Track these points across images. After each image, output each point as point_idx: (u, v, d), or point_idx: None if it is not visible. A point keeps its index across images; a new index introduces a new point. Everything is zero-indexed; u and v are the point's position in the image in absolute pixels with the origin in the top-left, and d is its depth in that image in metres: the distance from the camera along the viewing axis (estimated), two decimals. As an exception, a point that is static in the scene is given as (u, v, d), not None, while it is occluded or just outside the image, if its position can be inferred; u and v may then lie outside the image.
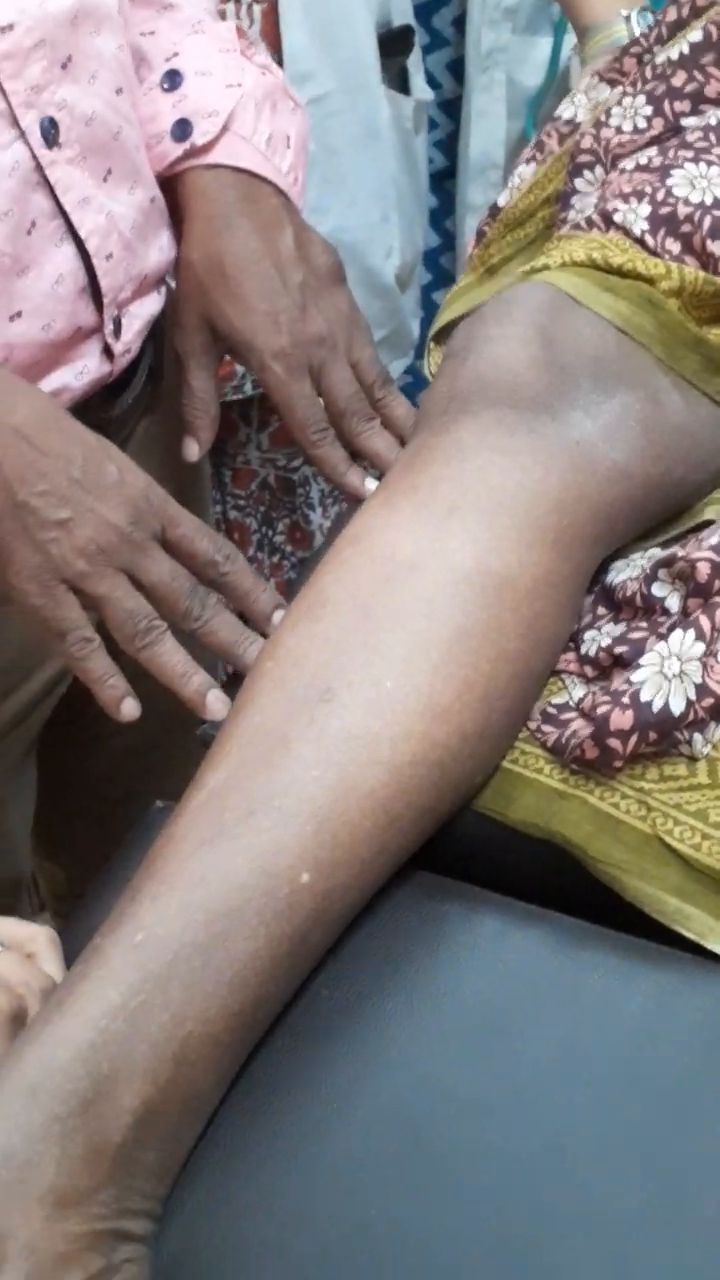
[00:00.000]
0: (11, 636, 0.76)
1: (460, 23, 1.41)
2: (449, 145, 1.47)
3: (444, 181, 1.48)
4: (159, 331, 0.82)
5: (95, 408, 0.75)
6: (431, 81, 1.41)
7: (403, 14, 1.30)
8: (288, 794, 0.52)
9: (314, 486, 1.43)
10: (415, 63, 1.34)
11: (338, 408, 0.76)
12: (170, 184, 0.79)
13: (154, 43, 0.80)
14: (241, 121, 0.78)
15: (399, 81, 1.31)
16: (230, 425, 1.38)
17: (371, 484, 0.76)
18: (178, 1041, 0.47)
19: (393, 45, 1.27)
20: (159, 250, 0.78)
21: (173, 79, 0.79)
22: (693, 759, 0.57)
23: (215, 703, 0.64)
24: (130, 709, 0.64)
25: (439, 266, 1.51)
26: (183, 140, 0.77)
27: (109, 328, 0.74)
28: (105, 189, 0.72)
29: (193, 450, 0.79)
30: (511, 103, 1.38)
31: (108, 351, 0.74)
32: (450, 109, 1.45)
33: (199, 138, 0.77)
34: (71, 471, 0.61)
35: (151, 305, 0.79)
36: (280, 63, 1.17)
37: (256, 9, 1.16)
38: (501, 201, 0.87)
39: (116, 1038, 0.46)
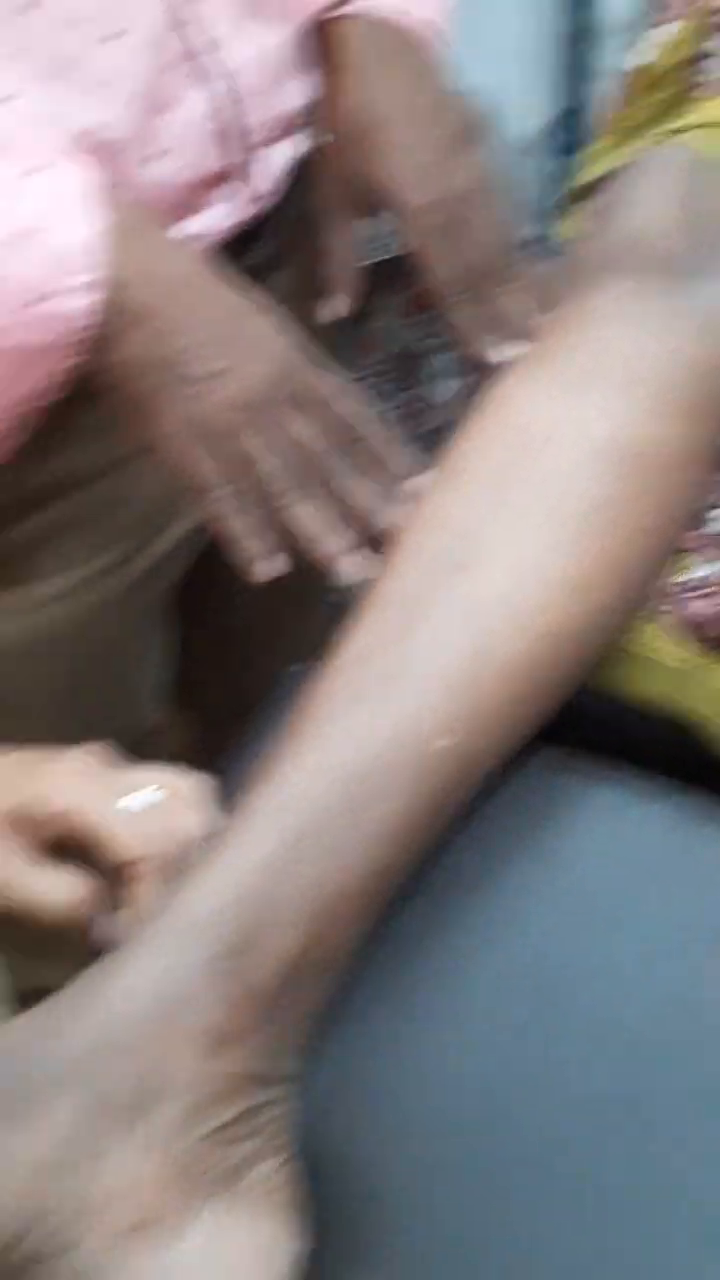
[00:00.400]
0: (146, 491, 0.78)
1: None
2: (575, 6, 1.42)
3: (575, 45, 1.43)
4: (304, 177, 0.81)
5: (231, 255, 0.75)
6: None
7: None
8: (427, 660, 0.53)
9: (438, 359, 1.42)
10: None
11: (477, 266, 0.74)
12: (315, 34, 0.77)
13: None
14: None
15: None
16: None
17: (503, 352, 0.74)
18: (322, 898, 0.49)
19: None
20: (302, 93, 0.77)
21: None
22: None
23: (347, 566, 0.64)
24: (263, 569, 0.64)
25: (575, 127, 1.46)
26: None
27: (254, 167, 0.73)
28: (244, 26, 0.71)
29: (338, 308, 0.78)
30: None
31: (249, 194, 0.74)
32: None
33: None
34: (221, 327, 0.61)
35: (294, 148, 0.78)
36: None
37: None
38: (635, 63, 0.84)
39: (261, 893, 0.48)
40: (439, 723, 0.52)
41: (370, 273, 1.33)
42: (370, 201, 0.76)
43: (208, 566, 0.87)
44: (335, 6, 0.76)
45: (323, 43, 0.77)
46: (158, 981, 0.46)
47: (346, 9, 0.76)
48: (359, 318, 1.37)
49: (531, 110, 1.30)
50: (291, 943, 0.48)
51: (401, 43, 0.75)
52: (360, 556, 0.64)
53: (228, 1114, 0.45)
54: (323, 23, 0.76)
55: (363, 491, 0.64)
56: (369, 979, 0.52)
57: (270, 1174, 0.45)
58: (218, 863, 0.49)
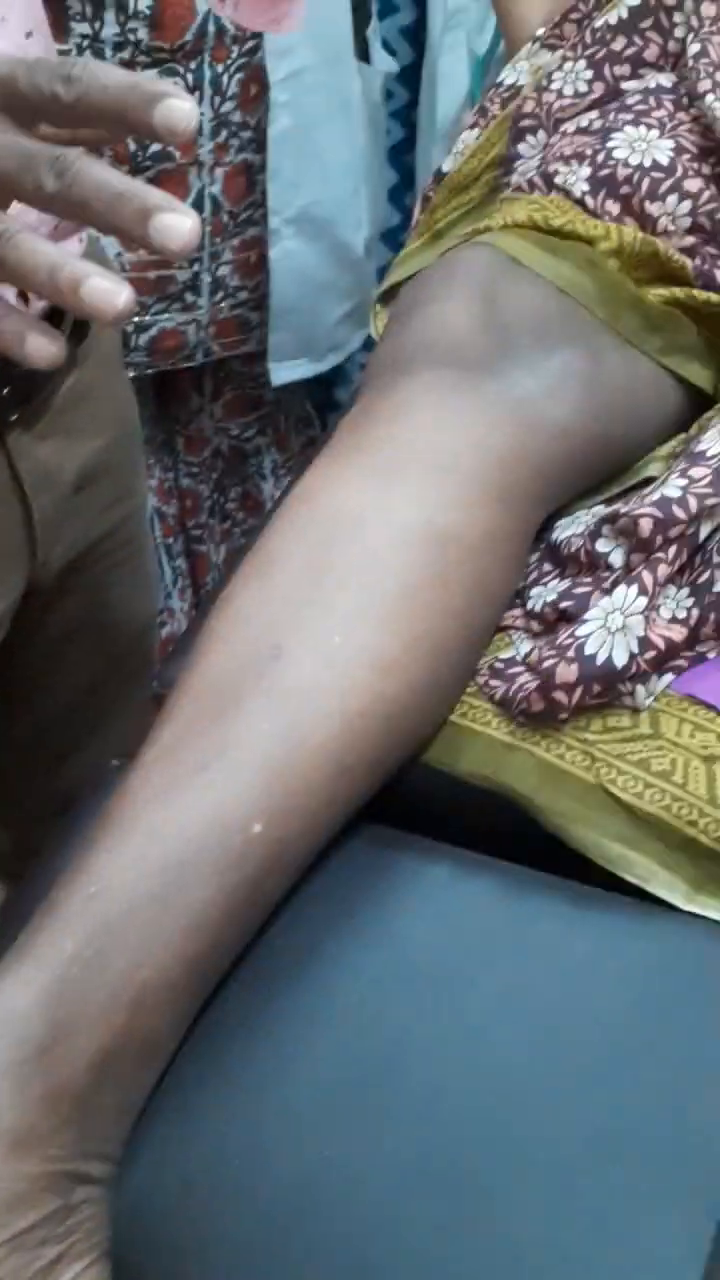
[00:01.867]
0: None
1: (411, -12, 1.41)
2: (405, 116, 1.47)
3: (402, 155, 1.48)
4: None
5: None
6: (386, 49, 1.41)
7: (360, -20, 1.30)
8: (239, 746, 0.53)
9: (266, 456, 1.44)
10: (374, 31, 1.35)
11: None
12: None
13: None
14: None
15: (361, 51, 1.31)
16: (183, 394, 1.38)
17: None
18: (134, 987, 0.48)
19: (354, 14, 1.27)
20: (77, 241, 0.77)
21: None
22: (635, 710, 0.59)
23: (98, 296, 0.46)
24: (38, 346, 0.48)
25: (399, 244, 1.51)
26: None
27: None
28: None
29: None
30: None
31: (24, 296, 0.74)
32: (405, 78, 1.45)
33: None
34: None
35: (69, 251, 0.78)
36: (259, 36, 1.17)
37: None
38: (446, 167, 0.87)
39: (73, 984, 0.47)
40: (250, 809, 0.52)
41: (189, 376, 1.36)
42: None
43: (16, 659, 0.86)
44: None
45: None
46: None
47: None
48: (183, 420, 1.39)
49: (364, 220, 1.34)
50: (103, 1036, 0.47)
51: None
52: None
53: (32, 1216, 0.44)
54: None
55: (96, 180, 0.46)
56: (190, 1068, 0.51)
57: (80, 1277, 0.44)
58: (27, 957, 0.48)
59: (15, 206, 0.50)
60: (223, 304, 1.28)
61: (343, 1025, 0.52)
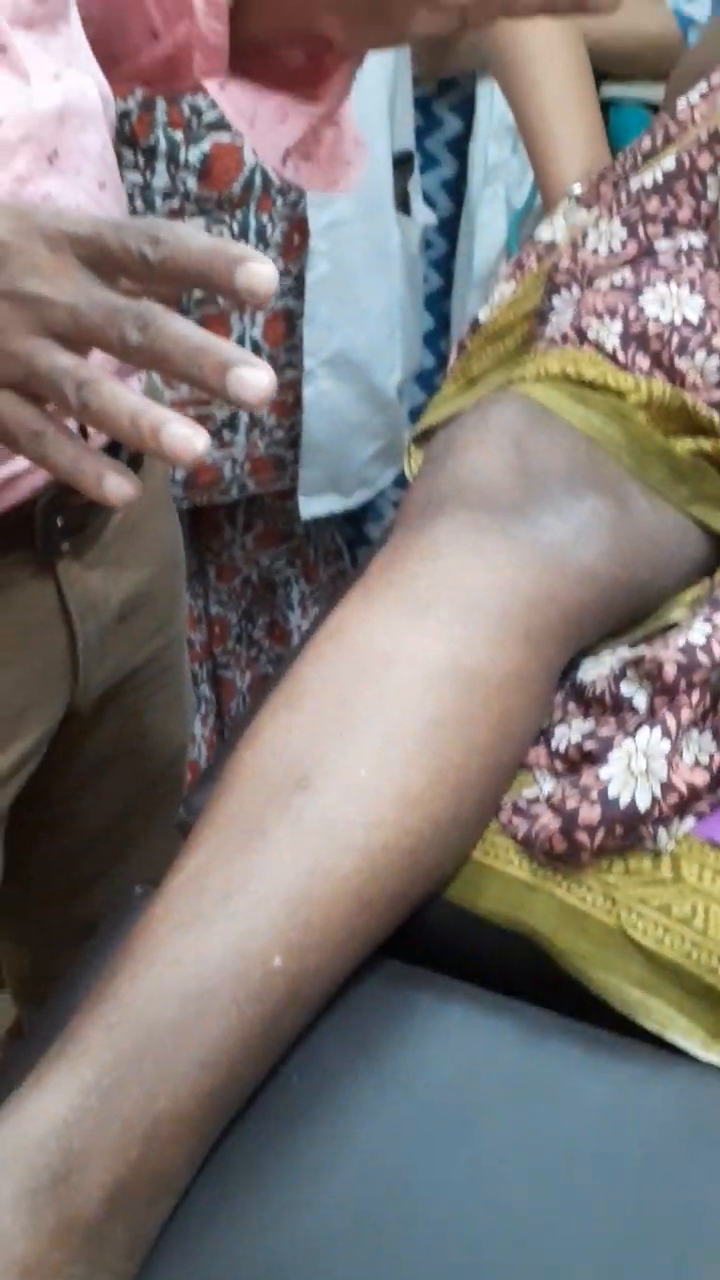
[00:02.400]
0: None
1: (453, 144, 1.47)
2: (444, 265, 1.52)
3: (439, 302, 1.53)
4: None
5: (75, 491, 0.77)
6: (427, 201, 1.46)
7: (405, 138, 1.35)
8: (262, 878, 0.53)
9: (295, 588, 1.46)
10: (414, 184, 1.40)
11: None
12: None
13: None
14: None
15: (401, 203, 1.36)
16: (216, 525, 1.41)
17: None
18: (149, 1120, 0.48)
19: (396, 168, 1.32)
20: (137, 381, 0.80)
21: None
22: (657, 854, 0.59)
23: (178, 442, 0.48)
24: (115, 485, 0.51)
25: (433, 386, 1.55)
26: None
27: None
28: None
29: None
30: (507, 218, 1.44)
31: (84, 430, 0.76)
32: (444, 229, 1.50)
33: None
34: None
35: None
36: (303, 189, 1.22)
37: None
38: (482, 317, 0.90)
39: (90, 1114, 0.47)
40: (271, 941, 0.52)
41: (224, 510, 1.39)
42: None
43: (50, 783, 0.87)
44: None
45: None
46: None
47: None
48: (215, 549, 1.42)
49: (398, 364, 1.38)
50: (118, 1168, 0.47)
51: None
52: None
53: None
54: None
55: (177, 338, 0.49)
56: (202, 1204, 0.50)
57: None
58: (46, 1084, 0.48)
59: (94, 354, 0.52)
60: (259, 442, 1.31)
61: (356, 1166, 0.52)
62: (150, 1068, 0.49)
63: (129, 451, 0.81)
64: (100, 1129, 0.47)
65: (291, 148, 0.77)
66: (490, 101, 1.39)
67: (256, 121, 0.78)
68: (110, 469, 0.50)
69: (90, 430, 0.71)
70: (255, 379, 0.47)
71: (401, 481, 1.50)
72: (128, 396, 0.49)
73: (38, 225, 0.51)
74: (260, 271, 0.48)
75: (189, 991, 0.50)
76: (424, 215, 1.42)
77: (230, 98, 0.78)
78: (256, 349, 1.27)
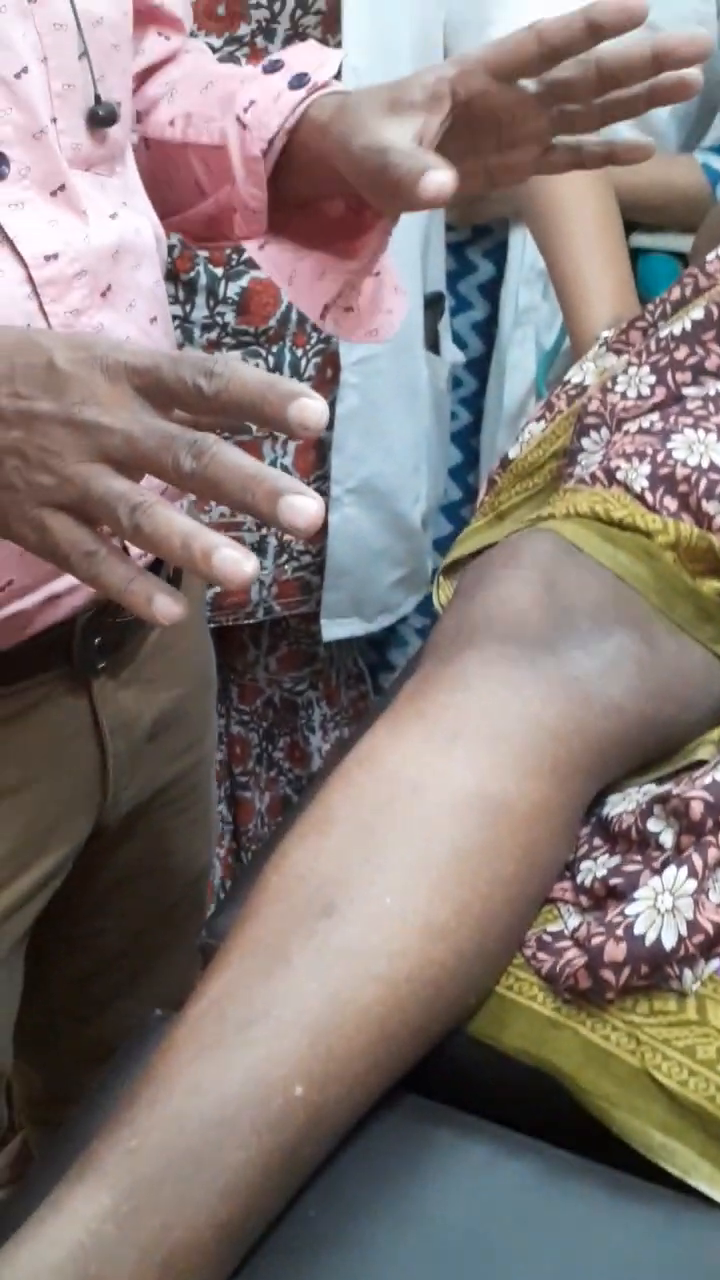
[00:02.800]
0: (7, 830, 0.78)
1: (485, 288, 1.51)
2: (473, 402, 1.56)
3: (468, 438, 1.56)
4: None
5: (112, 611, 0.78)
6: (458, 341, 1.50)
7: (437, 280, 1.40)
8: (285, 1005, 0.53)
9: (316, 710, 1.47)
10: (444, 325, 1.44)
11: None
12: (295, 140, 0.77)
13: (237, 82, 0.80)
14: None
15: (432, 343, 1.40)
16: (240, 646, 1.42)
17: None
18: (165, 1249, 0.47)
19: (427, 309, 1.36)
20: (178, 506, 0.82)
21: (275, 65, 0.78)
22: (682, 994, 0.59)
23: (229, 566, 0.50)
24: (164, 605, 0.52)
25: (459, 518, 1.58)
26: (301, 86, 0.76)
27: None
28: None
29: (434, 185, 0.65)
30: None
31: (125, 551, 0.78)
32: (474, 368, 1.54)
33: (319, 79, 0.76)
34: (5, 387, 0.55)
35: None
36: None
37: None
38: (512, 454, 0.93)
39: (107, 1241, 0.46)
40: (292, 1070, 0.51)
41: (247, 630, 1.40)
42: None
43: (71, 902, 0.87)
44: (315, 93, 0.76)
45: (306, 129, 0.76)
46: None
47: (326, 91, 0.76)
48: (238, 669, 1.43)
49: (423, 495, 1.40)
50: None
51: None
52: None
53: None
54: (303, 117, 0.76)
55: (229, 468, 0.50)
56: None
57: None
58: (64, 1208, 0.47)
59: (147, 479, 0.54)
60: (286, 566, 1.33)
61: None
62: (168, 1196, 0.48)
63: (169, 570, 0.83)
64: (117, 1257, 0.46)
65: (330, 302, 0.79)
66: (522, 247, 1.44)
67: (295, 279, 0.81)
68: (159, 590, 0.52)
69: (131, 549, 0.73)
70: (305, 506, 0.49)
71: (424, 608, 1.51)
72: (180, 519, 0.51)
73: (97, 356, 0.53)
74: (313, 406, 0.50)
75: (209, 1119, 0.50)
76: (452, 354, 1.46)
77: (269, 257, 0.81)
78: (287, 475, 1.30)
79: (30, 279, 0.68)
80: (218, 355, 0.54)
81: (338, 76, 0.80)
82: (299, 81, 0.77)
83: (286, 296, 0.83)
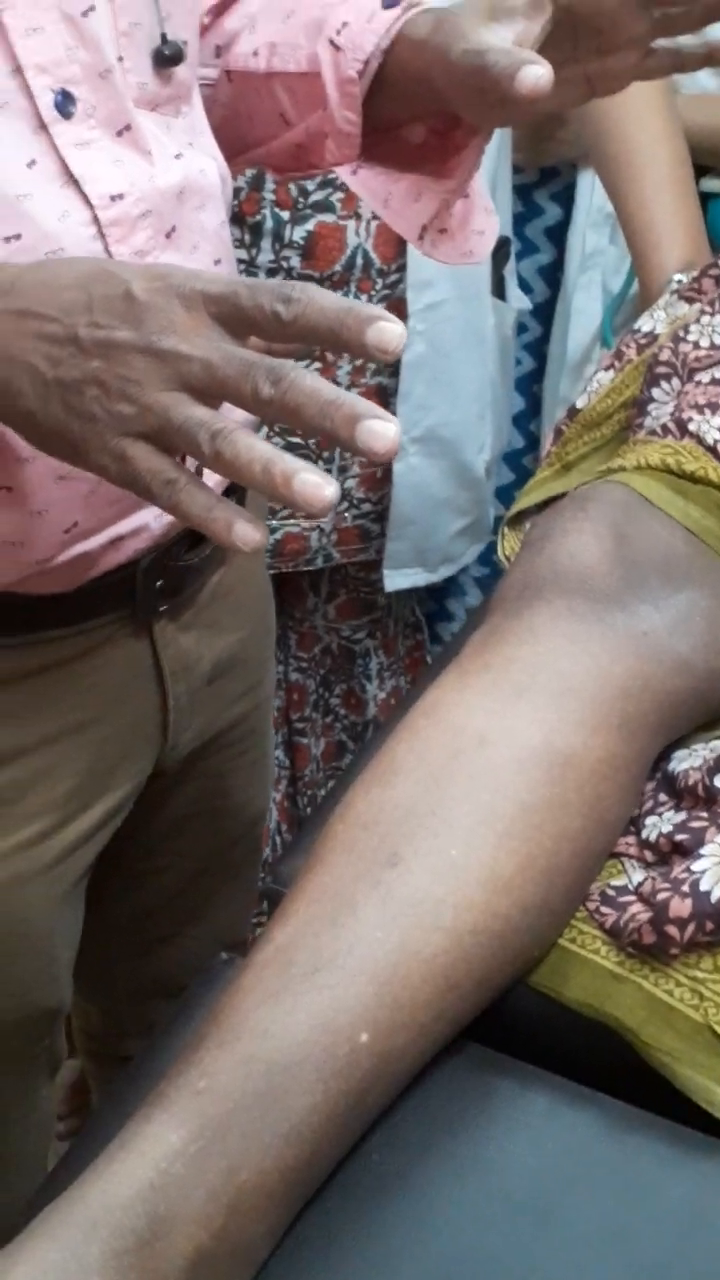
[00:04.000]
0: (71, 767, 0.79)
1: (552, 232, 1.49)
2: (537, 348, 1.54)
3: (531, 385, 1.55)
4: (238, 486, 0.85)
5: (174, 555, 0.78)
6: (523, 286, 1.48)
7: (504, 225, 1.37)
8: (351, 953, 0.54)
9: (373, 659, 1.47)
10: (510, 270, 1.42)
11: None
12: (390, 59, 0.75)
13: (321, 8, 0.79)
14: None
15: (498, 288, 1.38)
16: (300, 593, 1.42)
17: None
18: (233, 1189, 0.48)
19: (494, 254, 1.34)
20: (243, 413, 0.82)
21: None
22: None
23: (310, 489, 0.50)
24: (245, 532, 0.52)
25: (522, 466, 1.57)
26: (396, 4, 0.75)
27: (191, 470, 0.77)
28: None
29: (530, 78, 0.65)
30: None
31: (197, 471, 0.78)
32: (539, 313, 1.52)
33: None
34: (74, 319, 0.55)
35: None
36: (401, 270, 1.24)
37: (373, 224, 1.23)
38: (580, 404, 0.91)
39: (176, 1180, 0.47)
40: (358, 1018, 0.52)
41: (307, 578, 1.40)
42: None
43: (131, 841, 0.88)
44: (410, 9, 0.75)
45: (404, 47, 0.74)
46: (48, 1275, 0.44)
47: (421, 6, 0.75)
48: (297, 616, 1.43)
49: (487, 444, 1.39)
50: (200, 1236, 0.47)
51: None
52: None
53: None
54: (400, 33, 0.74)
55: (308, 392, 0.50)
56: (281, 1278, 0.50)
57: None
58: (133, 1148, 0.48)
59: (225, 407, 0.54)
60: (346, 514, 1.33)
61: (433, 1251, 0.51)
62: (235, 1138, 0.49)
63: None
64: (186, 1196, 0.47)
65: (427, 224, 0.79)
66: (590, 190, 1.41)
67: (391, 201, 0.80)
68: (240, 517, 0.52)
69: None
70: (384, 430, 0.49)
71: (484, 559, 1.50)
72: (261, 445, 0.51)
73: (174, 285, 0.53)
74: (391, 329, 0.49)
75: (275, 1064, 0.51)
76: (518, 300, 1.44)
77: (363, 181, 0.81)
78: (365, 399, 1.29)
79: (96, 219, 0.68)
80: (293, 282, 0.53)
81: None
82: (392, 0, 0.75)
83: (351, 223, 0.82)
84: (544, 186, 1.48)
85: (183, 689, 0.84)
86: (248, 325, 0.52)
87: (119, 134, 0.69)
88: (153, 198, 0.70)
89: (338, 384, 1.22)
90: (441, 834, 0.57)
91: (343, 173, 0.81)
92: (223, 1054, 0.51)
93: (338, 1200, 0.52)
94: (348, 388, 1.26)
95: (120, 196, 0.69)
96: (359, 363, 1.27)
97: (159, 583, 0.79)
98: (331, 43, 0.76)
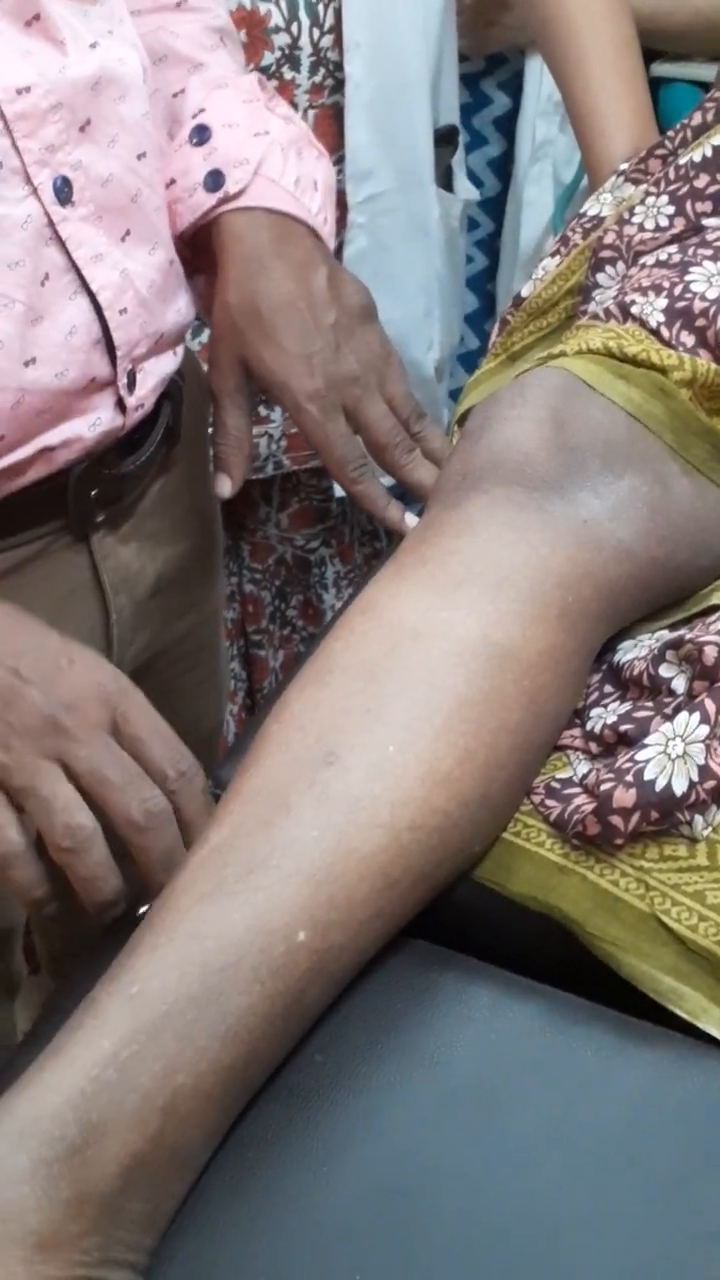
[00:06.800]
0: None
1: (501, 122, 1.45)
2: (489, 244, 1.50)
3: (485, 283, 1.51)
4: (176, 391, 0.83)
5: (109, 463, 0.76)
6: (473, 179, 1.45)
7: (450, 113, 1.34)
8: (286, 853, 0.52)
9: (329, 567, 1.45)
10: (459, 161, 1.38)
11: (378, 442, 0.78)
12: (205, 233, 0.81)
13: (183, 101, 0.83)
14: (270, 165, 0.80)
15: (444, 180, 1.35)
16: (250, 502, 1.40)
17: (412, 519, 0.77)
18: (168, 1093, 0.47)
19: (440, 144, 1.31)
20: (176, 311, 0.80)
21: (201, 133, 0.81)
22: (693, 840, 0.58)
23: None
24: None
25: (475, 366, 1.54)
26: (216, 190, 0.79)
27: (123, 381, 0.75)
28: (122, 248, 0.74)
29: (225, 487, 0.80)
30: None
31: (121, 405, 0.76)
32: (490, 207, 1.48)
33: (232, 185, 0.79)
34: (9, 662, 0.58)
35: (167, 364, 0.80)
36: (340, 161, 1.20)
37: (311, 113, 1.19)
38: (525, 292, 0.89)
39: (107, 1086, 0.46)
40: (294, 917, 0.51)
41: (258, 486, 1.38)
42: (260, 388, 0.79)
43: None
44: (226, 203, 0.80)
45: (216, 239, 0.80)
46: None
47: (237, 204, 0.80)
48: (249, 527, 1.41)
49: (436, 342, 1.36)
50: (136, 1141, 0.46)
51: (290, 232, 0.79)
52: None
53: None
54: (215, 219, 0.80)
55: (161, 843, 0.59)
56: (220, 1182, 0.50)
57: None
58: (64, 1055, 0.47)
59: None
60: (295, 418, 1.30)
61: (378, 1148, 0.51)
62: (170, 1041, 0.48)
63: (165, 421, 0.81)
64: (118, 1102, 0.46)
65: None
66: (539, 78, 1.37)
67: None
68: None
69: (130, 402, 0.72)
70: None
71: (440, 463, 1.48)
72: (103, 865, 0.58)
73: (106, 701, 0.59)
74: None
75: (210, 965, 0.50)
76: (467, 191, 1.40)
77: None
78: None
79: (1, 114, 0.65)
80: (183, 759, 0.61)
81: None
82: (215, 182, 0.79)
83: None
84: (491, 75, 1.44)
85: (125, 602, 0.82)
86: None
87: (28, 24, 0.66)
88: (64, 89, 0.68)
89: (295, 105, 1.19)
90: (377, 731, 0.56)
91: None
92: (155, 958, 0.50)
93: (279, 1101, 0.52)
94: (305, 109, 1.22)
95: (27, 89, 0.66)
96: (318, 80, 1.23)
97: (94, 492, 0.77)
98: (173, 180, 0.79)
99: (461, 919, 0.59)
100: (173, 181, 0.80)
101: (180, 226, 0.80)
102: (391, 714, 0.56)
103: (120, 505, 0.79)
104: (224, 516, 1.39)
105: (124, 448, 0.78)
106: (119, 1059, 0.47)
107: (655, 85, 1.22)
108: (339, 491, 1.35)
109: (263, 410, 1.28)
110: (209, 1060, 0.48)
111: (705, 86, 1.28)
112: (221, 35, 0.86)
